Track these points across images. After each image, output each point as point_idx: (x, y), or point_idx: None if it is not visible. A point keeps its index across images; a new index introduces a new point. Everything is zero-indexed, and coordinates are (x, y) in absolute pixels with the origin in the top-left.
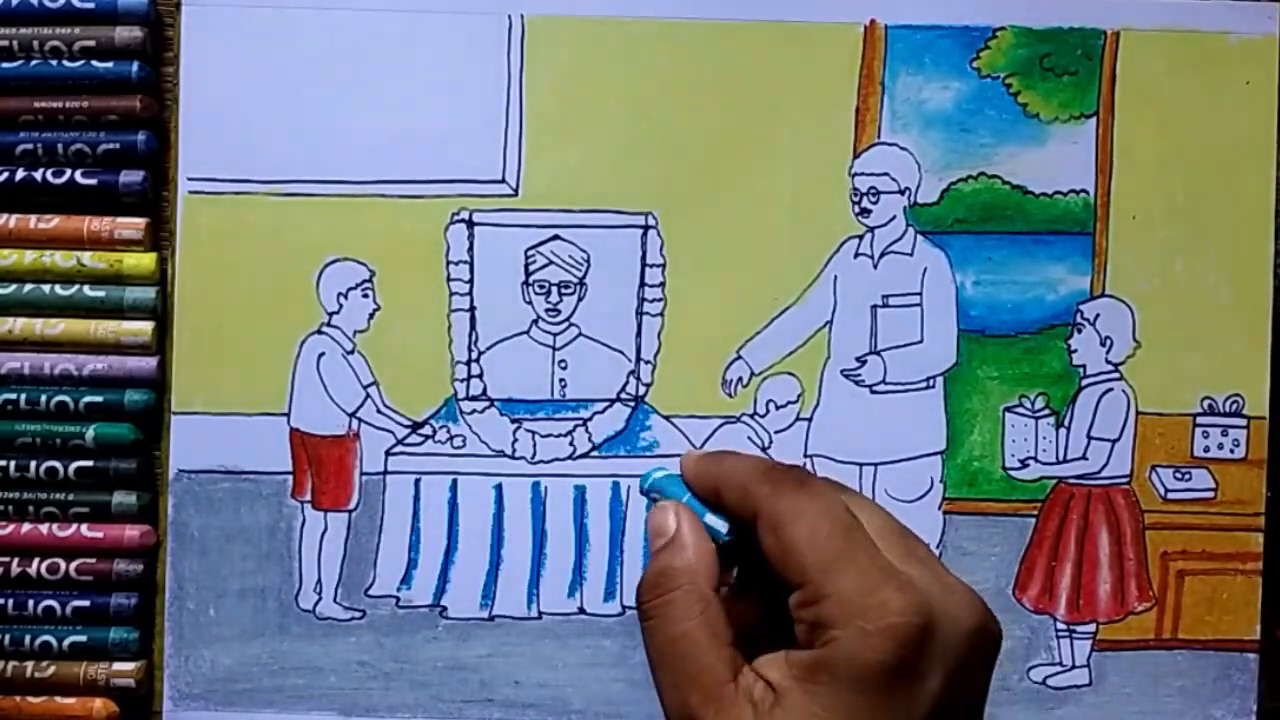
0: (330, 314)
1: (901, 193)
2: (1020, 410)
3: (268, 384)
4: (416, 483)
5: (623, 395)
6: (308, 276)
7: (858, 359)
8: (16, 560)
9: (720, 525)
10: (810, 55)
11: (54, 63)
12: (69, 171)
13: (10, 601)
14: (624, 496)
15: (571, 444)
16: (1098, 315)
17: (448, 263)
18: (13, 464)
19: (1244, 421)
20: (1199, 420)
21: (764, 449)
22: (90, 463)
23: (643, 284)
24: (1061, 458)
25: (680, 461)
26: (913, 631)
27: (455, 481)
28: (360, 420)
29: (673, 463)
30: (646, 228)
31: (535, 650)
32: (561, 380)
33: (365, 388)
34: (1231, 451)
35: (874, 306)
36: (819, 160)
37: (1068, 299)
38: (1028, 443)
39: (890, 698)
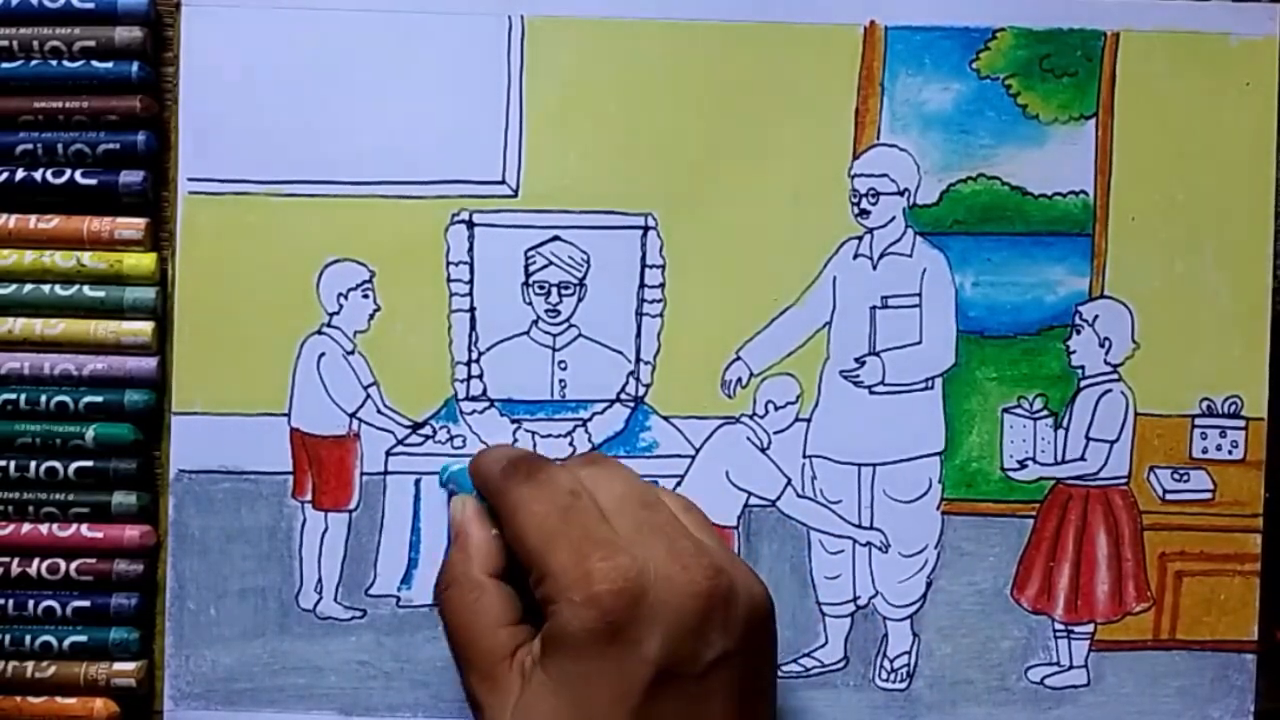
0: (330, 314)
1: (901, 194)
2: (1019, 411)
3: (268, 384)
4: (417, 483)
5: (622, 396)
6: (308, 277)
7: (857, 360)
8: (16, 560)
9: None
10: (810, 56)
11: (54, 63)
12: (69, 171)
13: (10, 602)
14: None
15: (571, 444)
16: (1096, 316)
17: (448, 263)
18: (13, 464)
19: (1242, 423)
20: (1197, 421)
21: (763, 449)
22: (90, 463)
23: (642, 285)
24: (1060, 458)
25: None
26: (616, 598)
27: None
28: (360, 421)
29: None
30: (646, 229)
31: None
32: (561, 381)
33: (365, 388)
34: (1230, 453)
35: (873, 308)
36: (818, 161)
37: (1067, 300)
38: (1026, 444)
39: (605, 662)
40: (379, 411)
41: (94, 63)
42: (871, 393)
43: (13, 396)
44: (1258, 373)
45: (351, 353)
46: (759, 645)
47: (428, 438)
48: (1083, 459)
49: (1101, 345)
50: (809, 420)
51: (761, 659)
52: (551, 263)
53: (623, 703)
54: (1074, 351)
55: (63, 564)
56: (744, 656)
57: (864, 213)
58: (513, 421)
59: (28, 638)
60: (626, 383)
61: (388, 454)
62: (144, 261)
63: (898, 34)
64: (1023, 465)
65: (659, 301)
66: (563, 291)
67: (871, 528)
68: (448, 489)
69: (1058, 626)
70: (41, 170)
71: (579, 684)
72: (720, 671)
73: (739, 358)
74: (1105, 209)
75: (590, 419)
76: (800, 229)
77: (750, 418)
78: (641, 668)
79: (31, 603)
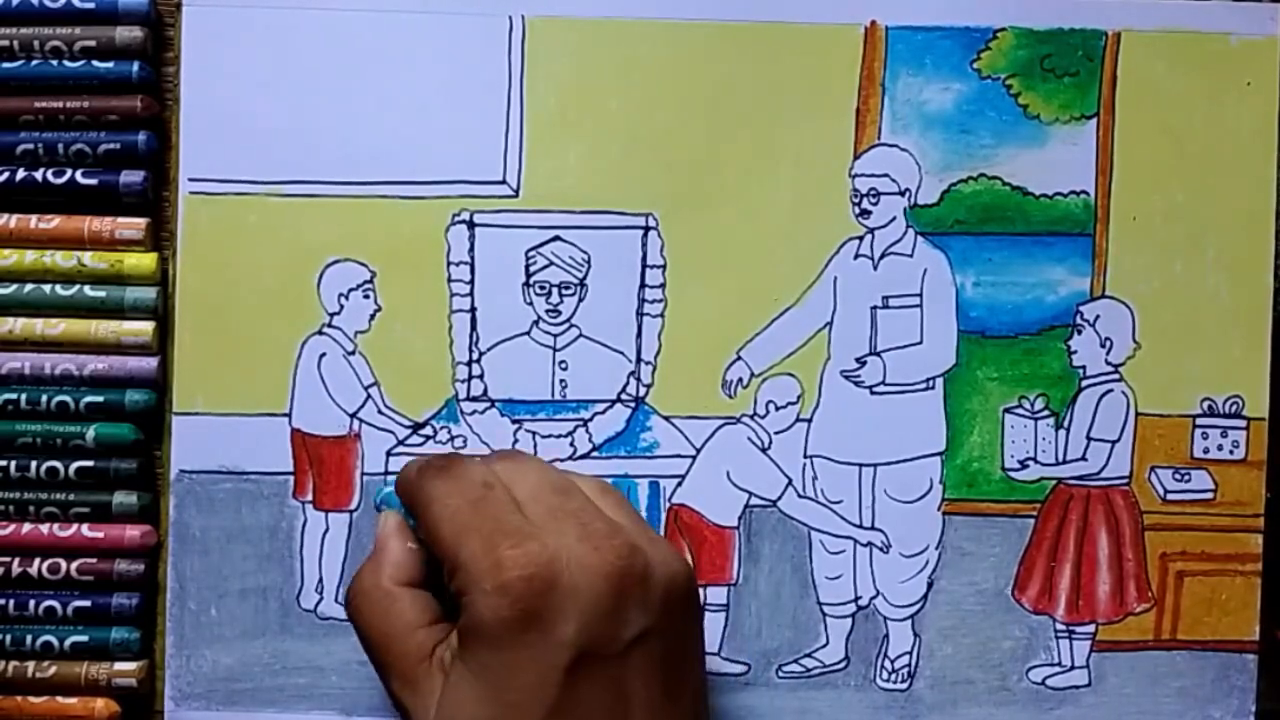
0: (331, 315)
1: (902, 194)
2: (1020, 411)
3: (269, 384)
4: None
5: (623, 396)
6: (309, 277)
7: (857, 360)
8: (17, 560)
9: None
10: (811, 56)
11: (54, 63)
12: (69, 171)
13: (11, 602)
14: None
15: (572, 445)
16: (1097, 316)
17: (449, 264)
18: (13, 464)
19: (1243, 423)
20: (1198, 421)
21: (764, 449)
22: (91, 463)
23: (643, 285)
24: (1061, 459)
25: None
26: (528, 584)
27: None
28: (361, 421)
29: None
30: (647, 229)
31: None
32: (562, 381)
33: (366, 388)
34: (1231, 453)
35: (874, 308)
36: (819, 161)
37: (1068, 300)
38: (1027, 444)
39: (522, 649)
40: (380, 412)
41: (94, 63)
42: (872, 393)
43: (13, 396)
44: (1258, 372)
45: (352, 353)
46: (680, 621)
47: (428, 438)
48: (1084, 459)
49: (1102, 345)
50: (810, 420)
51: (684, 634)
52: (552, 263)
53: (543, 688)
54: (1075, 351)
55: (63, 564)
56: (664, 633)
57: (865, 213)
58: (513, 422)
59: (28, 638)
60: (627, 383)
61: (388, 454)
62: (144, 261)
63: (898, 34)
64: (1024, 465)
65: (660, 301)
66: (563, 292)
67: (872, 528)
68: (379, 509)
69: (1059, 627)
70: (42, 170)
71: (499, 673)
72: (641, 650)
73: (740, 358)
74: (1106, 209)
75: (591, 419)
76: (801, 229)
77: (751, 418)
78: (559, 652)
79: (32, 603)
